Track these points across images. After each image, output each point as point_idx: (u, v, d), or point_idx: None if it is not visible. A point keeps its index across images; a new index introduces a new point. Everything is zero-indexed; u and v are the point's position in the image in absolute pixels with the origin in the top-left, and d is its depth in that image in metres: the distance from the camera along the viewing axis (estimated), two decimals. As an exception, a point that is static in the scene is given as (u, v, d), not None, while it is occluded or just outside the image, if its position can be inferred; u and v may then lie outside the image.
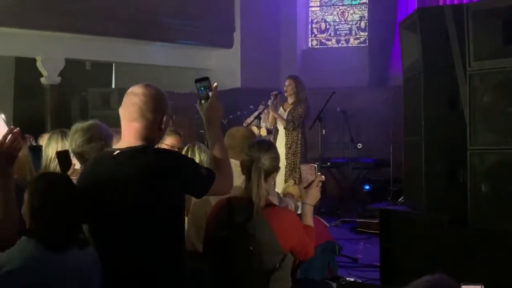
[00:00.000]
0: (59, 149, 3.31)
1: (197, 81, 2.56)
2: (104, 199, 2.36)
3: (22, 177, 3.12)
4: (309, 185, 2.95)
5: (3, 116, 2.32)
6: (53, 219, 2.23)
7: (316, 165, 3.07)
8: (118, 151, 2.42)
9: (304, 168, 3.04)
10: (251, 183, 2.72)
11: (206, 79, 2.57)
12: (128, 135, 2.44)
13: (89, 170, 2.51)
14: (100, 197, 2.38)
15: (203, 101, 2.54)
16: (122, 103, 2.46)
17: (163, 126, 2.47)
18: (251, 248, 2.61)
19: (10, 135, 2.22)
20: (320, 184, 2.96)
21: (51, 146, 3.39)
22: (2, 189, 2.24)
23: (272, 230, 2.67)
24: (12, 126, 2.27)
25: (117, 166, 2.37)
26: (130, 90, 2.47)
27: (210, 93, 2.53)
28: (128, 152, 2.39)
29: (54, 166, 3.27)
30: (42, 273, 2.15)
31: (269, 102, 7.28)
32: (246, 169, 2.78)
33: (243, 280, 2.66)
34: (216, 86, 2.55)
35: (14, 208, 2.25)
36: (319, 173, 3.00)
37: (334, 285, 3.23)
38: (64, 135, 3.40)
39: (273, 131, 7.41)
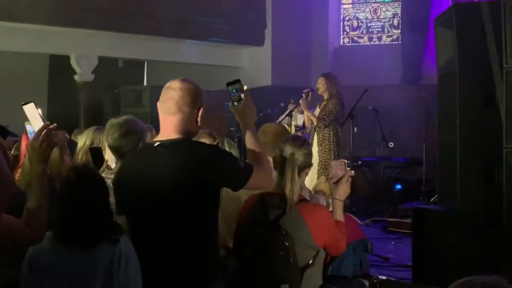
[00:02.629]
0: (89, 140, 3.37)
1: (228, 84, 2.62)
2: (144, 189, 2.42)
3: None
4: (339, 181, 2.94)
5: (39, 111, 2.33)
6: (74, 214, 2.26)
7: (346, 161, 3.05)
8: (158, 143, 2.48)
9: (334, 163, 3.03)
10: (284, 178, 2.72)
11: (238, 81, 2.63)
12: (167, 128, 2.50)
13: (130, 161, 2.60)
14: (140, 187, 2.44)
15: (235, 103, 2.60)
16: (160, 98, 2.53)
17: (199, 119, 2.52)
18: (286, 243, 2.60)
19: (45, 131, 2.21)
20: (350, 179, 2.95)
21: (81, 138, 3.44)
22: (33, 185, 2.21)
23: (306, 226, 2.66)
24: (47, 122, 2.26)
25: (157, 157, 2.43)
26: (167, 84, 2.53)
27: (242, 95, 2.59)
28: (168, 144, 2.45)
29: (81, 156, 3.32)
30: (56, 267, 2.20)
31: (301, 101, 7.24)
32: (279, 165, 2.78)
33: (278, 276, 2.65)
34: (247, 89, 2.62)
35: (41, 207, 2.19)
36: (348, 168, 2.98)
37: (367, 282, 3.20)
38: (98, 129, 3.45)
39: (311, 130, 7.36)
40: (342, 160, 3.04)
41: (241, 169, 2.48)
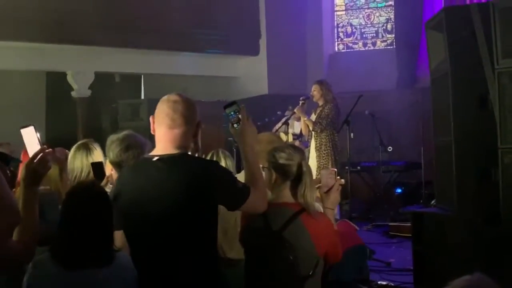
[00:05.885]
0: (85, 167, 3.36)
1: (226, 107, 2.59)
2: (142, 204, 2.41)
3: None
4: (329, 190, 2.97)
5: (38, 135, 2.36)
6: (71, 234, 2.25)
7: (335, 170, 3.10)
8: (157, 157, 2.47)
9: (324, 173, 3.07)
10: (303, 188, 2.74)
11: (234, 103, 2.59)
12: (165, 141, 2.49)
13: (127, 175, 2.57)
14: (138, 202, 2.43)
15: (235, 125, 2.57)
16: (159, 110, 2.51)
17: (198, 132, 2.52)
18: (291, 257, 2.59)
19: (41, 154, 2.23)
20: (340, 188, 2.99)
21: (76, 163, 3.42)
22: (23, 206, 2.21)
23: (309, 234, 2.66)
24: (44, 146, 2.27)
25: (156, 172, 2.42)
26: (166, 98, 2.52)
27: (240, 116, 2.56)
28: (167, 158, 2.44)
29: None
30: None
31: (296, 109, 7.30)
32: (284, 173, 2.78)
33: (281, 286, 2.63)
34: (243, 109, 2.57)
35: (32, 228, 2.18)
36: (338, 177, 3.02)
37: (366, 288, 3.22)
38: (89, 152, 3.43)
39: (309, 138, 7.41)
40: (332, 169, 3.08)
41: (239, 190, 2.46)
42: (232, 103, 2.59)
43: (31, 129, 2.32)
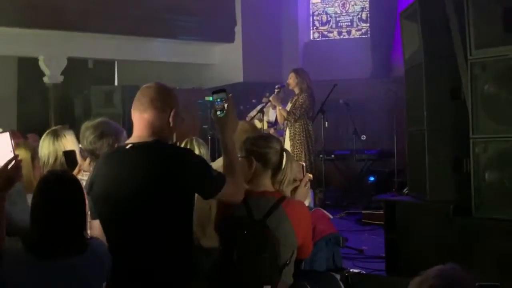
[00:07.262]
0: (51, 153, 3.33)
1: (214, 92, 2.58)
2: (115, 193, 2.40)
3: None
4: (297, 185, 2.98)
5: (13, 142, 2.35)
6: (44, 223, 2.23)
7: (303, 164, 3.10)
8: (130, 145, 2.46)
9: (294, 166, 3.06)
10: (280, 175, 2.76)
11: (223, 90, 2.58)
12: (139, 128, 2.48)
13: (101, 164, 2.55)
14: (111, 191, 2.41)
15: (219, 112, 2.56)
16: (135, 99, 2.52)
17: (171, 120, 2.49)
18: (275, 245, 2.59)
19: (13, 162, 2.26)
20: (308, 183, 2.99)
21: (43, 150, 3.39)
22: None
23: (290, 222, 2.66)
24: (16, 154, 2.28)
25: (129, 160, 2.41)
26: (142, 86, 2.54)
27: (226, 105, 2.55)
28: (140, 146, 2.43)
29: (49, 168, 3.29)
30: (26, 279, 2.17)
31: (271, 97, 7.30)
32: (265, 162, 2.78)
33: (262, 276, 2.61)
34: (231, 98, 2.57)
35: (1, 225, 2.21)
36: (307, 172, 3.03)
37: (338, 276, 3.24)
38: (56, 138, 3.39)
39: (284, 126, 7.43)
40: (300, 163, 3.08)
41: (214, 178, 2.45)
42: (221, 90, 2.58)
43: (6, 135, 2.31)
